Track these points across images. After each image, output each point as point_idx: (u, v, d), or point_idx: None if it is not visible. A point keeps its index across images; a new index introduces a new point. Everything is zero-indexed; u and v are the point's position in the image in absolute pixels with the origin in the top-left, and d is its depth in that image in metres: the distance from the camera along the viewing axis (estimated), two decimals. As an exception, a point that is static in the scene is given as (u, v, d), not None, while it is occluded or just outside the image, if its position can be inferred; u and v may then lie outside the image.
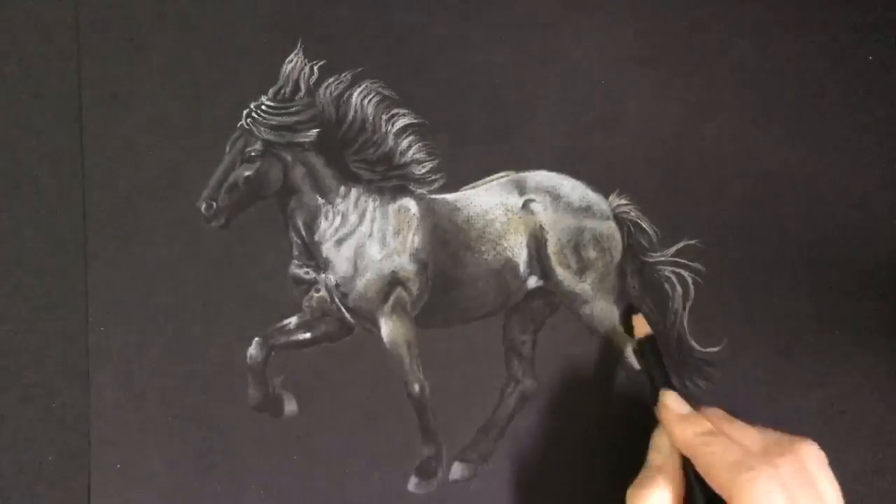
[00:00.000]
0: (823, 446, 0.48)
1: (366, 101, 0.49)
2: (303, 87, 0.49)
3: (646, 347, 0.47)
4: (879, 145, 0.51)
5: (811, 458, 0.41)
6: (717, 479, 0.40)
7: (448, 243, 0.49)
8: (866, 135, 0.51)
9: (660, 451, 0.45)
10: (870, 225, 0.50)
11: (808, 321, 0.49)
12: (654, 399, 0.45)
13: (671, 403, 0.45)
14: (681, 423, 0.43)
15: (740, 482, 0.39)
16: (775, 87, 0.51)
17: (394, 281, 0.49)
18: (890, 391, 0.49)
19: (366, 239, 0.49)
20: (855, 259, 0.50)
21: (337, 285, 0.49)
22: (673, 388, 0.46)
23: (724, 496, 0.40)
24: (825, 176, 0.50)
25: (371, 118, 0.49)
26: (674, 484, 0.43)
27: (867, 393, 0.49)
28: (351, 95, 0.49)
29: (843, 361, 0.49)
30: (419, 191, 0.49)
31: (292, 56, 0.50)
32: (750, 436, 0.42)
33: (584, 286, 0.49)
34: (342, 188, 0.49)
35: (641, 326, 0.48)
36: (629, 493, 0.43)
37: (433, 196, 0.50)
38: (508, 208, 0.49)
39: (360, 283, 0.49)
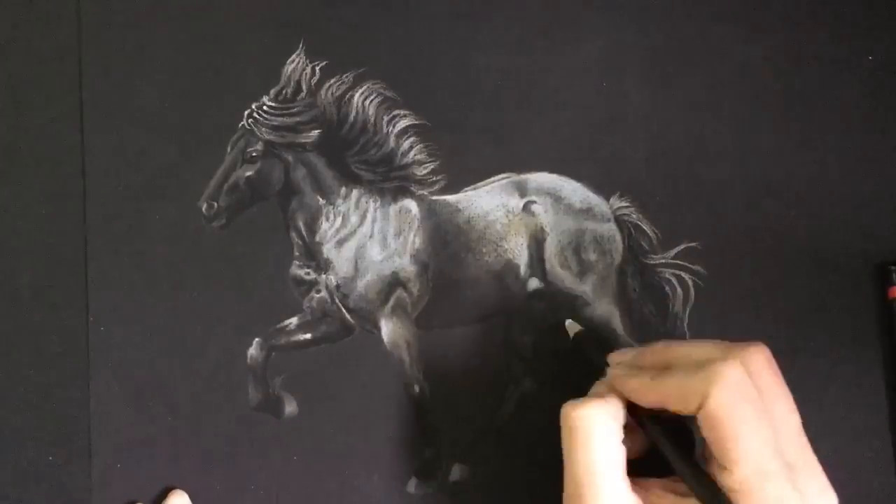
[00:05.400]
0: (823, 447, 0.48)
1: (367, 102, 0.49)
2: (304, 87, 0.49)
3: (582, 339, 0.47)
4: (881, 147, 0.51)
5: (769, 356, 0.40)
6: (685, 390, 0.39)
7: (449, 244, 0.49)
8: (868, 137, 0.51)
9: (605, 384, 0.43)
10: (872, 227, 0.50)
11: (809, 324, 0.50)
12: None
13: (618, 371, 0.43)
14: (634, 375, 0.42)
15: (712, 377, 0.38)
16: (777, 90, 0.51)
17: (394, 282, 0.49)
18: (890, 394, 0.49)
19: (367, 240, 0.49)
20: (856, 261, 0.50)
21: (338, 286, 0.49)
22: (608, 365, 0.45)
23: (696, 403, 0.38)
24: (827, 178, 0.50)
25: (372, 119, 0.49)
26: (616, 402, 0.41)
27: (868, 395, 0.49)
28: (352, 96, 0.49)
29: (845, 364, 0.49)
30: (420, 192, 0.50)
31: (294, 57, 0.50)
32: (705, 346, 0.41)
33: (584, 288, 0.49)
34: (343, 189, 0.49)
35: (572, 328, 0.48)
36: (565, 407, 0.41)
37: (434, 197, 0.50)
38: (509, 210, 0.50)
39: (361, 284, 0.49)
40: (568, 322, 0.48)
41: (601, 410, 0.41)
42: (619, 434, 0.41)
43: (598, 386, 0.44)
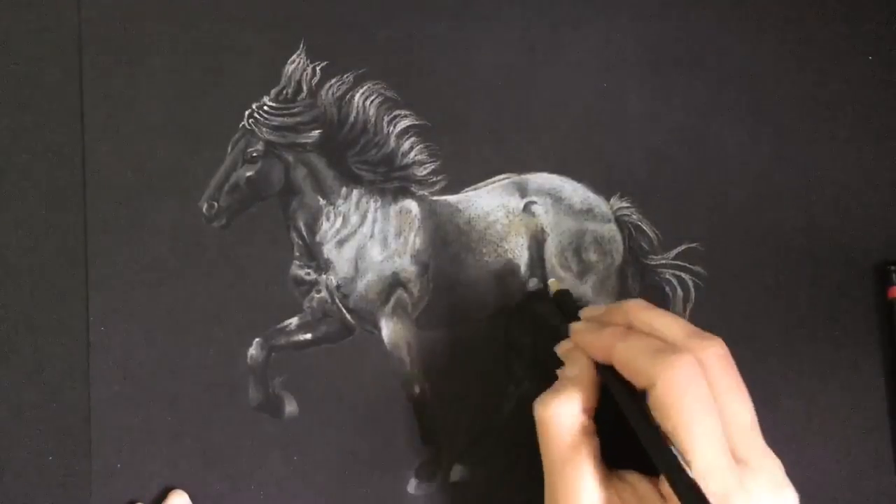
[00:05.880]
0: (823, 447, 0.49)
1: (368, 102, 0.49)
2: (305, 87, 0.49)
3: (563, 297, 0.47)
4: (882, 147, 0.51)
5: (726, 351, 0.40)
6: (636, 368, 0.39)
7: (449, 245, 0.49)
8: (868, 138, 0.51)
9: (574, 363, 0.43)
10: (872, 227, 0.50)
11: (809, 325, 0.50)
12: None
13: (580, 326, 0.43)
14: (595, 331, 0.42)
15: (663, 365, 0.38)
16: (777, 91, 0.51)
17: (395, 282, 0.49)
18: (890, 394, 0.49)
19: (367, 240, 0.49)
20: (856, 261, 0.50)
21: (338, 286, 0.49)
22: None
23: (644, 384, 0.38)
24: (827, 180, 0.51)
25: (373, 119, 0.49)
26: (586, 393, 0.42)
27: (868, 395, 0.49)
28: (353, 96, 0.49)
29: (845, 365, 0.49)
30: (421, 192, 0.50)
31: (294, 57, 0.50)
32: (670, 326, 0.41)
33: (584, 289, 0.49)
34: (344, 189, 0.49)
35: (556, 285, 0.48)
36: (536, 403, 0.42)
37: (435, 198, 0.50)
38: (510, 210, 0.50)
39: (361, 285, 0.49)
40: (551, 280, 0.48)
41: (566, 404, 0.41)
42: (585, 425, 0.41)
43: (568, 368, 0.43)
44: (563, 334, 0.45)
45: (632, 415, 0.39)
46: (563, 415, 0.41)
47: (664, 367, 0.38)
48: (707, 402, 0.38)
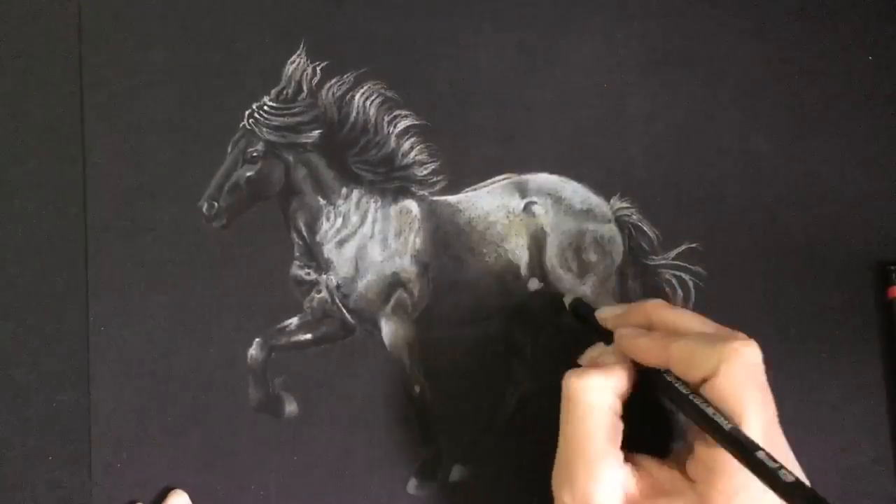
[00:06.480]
0: (822, 447, 0.49)
1: (368, 102, 0.49)
2: (305, 87, 0.49)
3: (578, 305, 0.47)
4: (881, 147, 0.51)
5: None
6: (696, 359, 0.38)
7: (449, 245, 0.49)
8: (868, 137, 0.51)
9: (615, 353, 0.42)
10: (872, 227, 0.50)
11: (809, 323, 0.50)
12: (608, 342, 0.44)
13: (626, 331, 0.42)
14: (644, 336, 0.41)
15: (729, 350, 0.37)
16: (777, 91, 0.51)
17: (395, 282, 0.49)
18: (890, 394, 0.49)
19: (367, 240, 0.49)
20: (856, 261, 0.50)
21: (338, 286, 0.49)
22: (606, 333, 0.44)
23: (705, 374, 0.38)
24: (827, 178, 0.51)
25: (373, 119, 0.49)
26: (625, 378, 0.41)
27: (868, 395, 0.49)
28: (353, 97, 0.49)
29: (845, 364, 0.49)
30: (421, 192, 0.50)
31: (295, 57, 0.50)
32: (693, 324, 0.41)
33: (584, 289, 0.49)
34: (344, 189, 0.49)
35: (568, 298, 0.48)
36: (569, 374, 0.41)
37: (435, 198, 0.50)
38: (510, 210, 0.50)
39: (362, 285, 0.49)
40: (565, 297, 0.48)
41: (604, 383, 0.41)
42: (618, 408, 0.41)
43: (603, 355, 0.43)
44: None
45: (688, 404, 0.39)
46: (598, 389, 0.40)
47: (727, 355, 0.37)
48: (766, 393, 0.38)
